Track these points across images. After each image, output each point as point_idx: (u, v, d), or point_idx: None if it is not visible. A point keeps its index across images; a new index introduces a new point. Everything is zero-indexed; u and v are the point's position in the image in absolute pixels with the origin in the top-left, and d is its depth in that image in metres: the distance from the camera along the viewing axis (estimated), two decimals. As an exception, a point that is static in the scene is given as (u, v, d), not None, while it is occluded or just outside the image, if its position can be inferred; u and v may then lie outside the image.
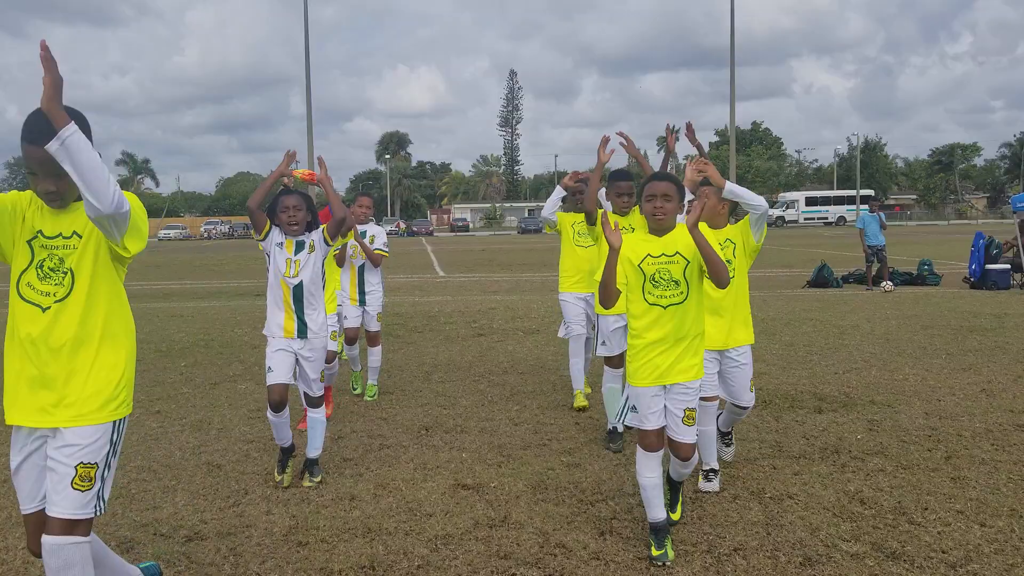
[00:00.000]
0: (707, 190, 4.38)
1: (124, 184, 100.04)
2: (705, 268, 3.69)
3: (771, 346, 9.28)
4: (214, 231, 72.11)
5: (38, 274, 2.75)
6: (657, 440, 3.80)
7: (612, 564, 3.74)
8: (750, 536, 4.01)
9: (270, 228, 4.80)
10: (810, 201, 71.39)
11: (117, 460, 2.90)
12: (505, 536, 4.06)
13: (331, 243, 4.85)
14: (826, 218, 69.91)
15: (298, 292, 4.75)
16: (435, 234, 69.92)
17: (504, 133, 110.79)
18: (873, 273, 15.89)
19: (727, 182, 4.28)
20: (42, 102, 2.43)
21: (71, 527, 2.71)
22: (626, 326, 5.43)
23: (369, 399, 7.08)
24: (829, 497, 4.51)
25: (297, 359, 4.82)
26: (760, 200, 4.38)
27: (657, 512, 3.81)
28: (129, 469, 5.24)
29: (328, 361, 5.49)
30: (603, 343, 5.72)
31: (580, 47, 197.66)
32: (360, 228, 6.81)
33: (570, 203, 6.39)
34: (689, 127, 5.32)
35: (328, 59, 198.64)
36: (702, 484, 4.66)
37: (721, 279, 3.66)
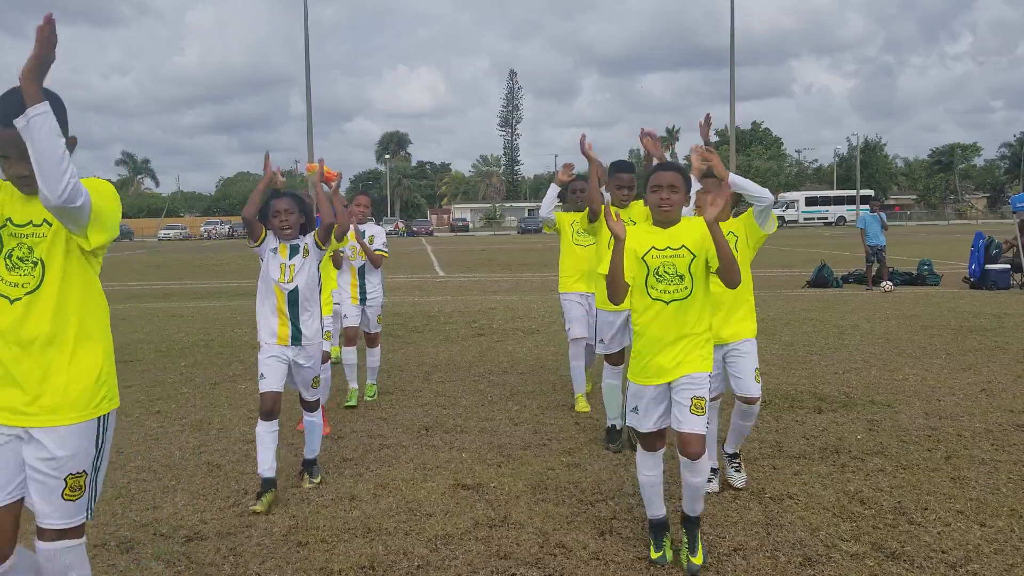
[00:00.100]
0: (724, 184, 4.30)
1: (124, 184, 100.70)
2: (712, 264, 3.59)
3: (771, 346, 9.28)
4: (214, 231, 72.08)
5: (7, 264, 2.62)
6: (657, 440, 3.78)
7: (612, 564, 3.74)
8: (750, 536, 4.01)
9: (265, 235, 4.70)
10: (810, 201, 71.39)
11: (108, 458, 2.81)
12: (505, 536, 4.06)
13: (323, 247, 4.76)
14: (826, 218, 69.92)
15: (293, 297, 4.65)
16: (435, 234, 69.90)
17: (504, 133, 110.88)
18: (873, 273, 15.90)
19: (730, 173, 4.16)
20: (20, 73, 2.34)
21: (65, 533, 2.67)
22: (623, 322, 5.45)
23: (369, 399, 7.08)
24: (829, 497, 4.51)
25: (291, 366, 4.72)
26: (764, 192, 4.20)
27: (656, 510, 3.80)
28: (129, 469, 5.24)
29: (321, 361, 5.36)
30: (600, 341, 5.66)
31: (580, 47, 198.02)
32: (359, 228, 6.76)
33: (570, 202, 6.37)
34: (708, 119, 5.01)
35: (328, 59, 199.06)
36: None
37: (732, 279, 3.55)
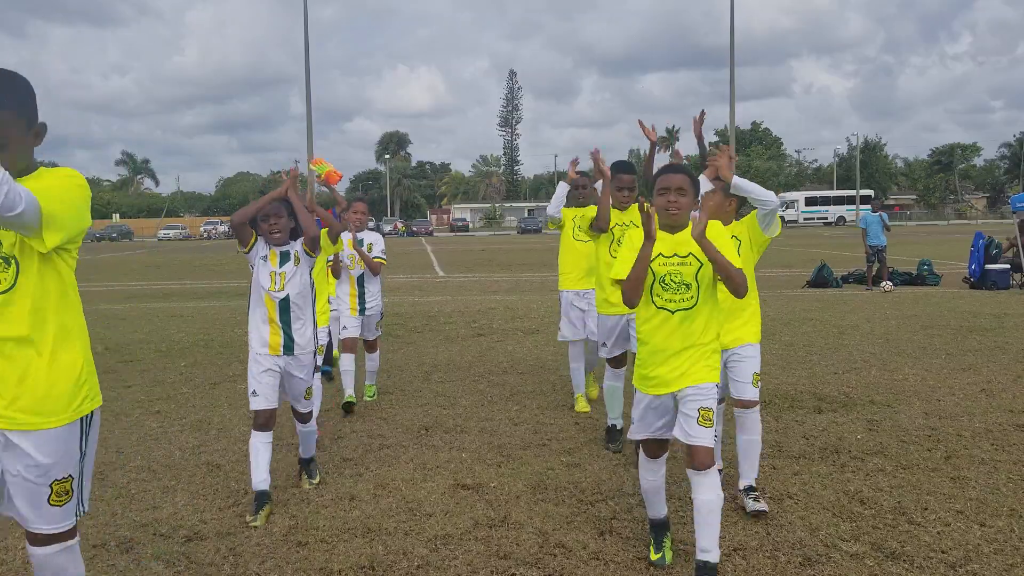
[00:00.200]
0: (707, 194, 4.28)
1: (124, 184, 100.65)
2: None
3: (771, 346, 9.28)
4: (214, 231, 72.07)
5: None
6: (658, 448, 3.71)
7: (612, 564, 3.74)
8: (750, 536, 4.01)
9: (255, 241, 4.56)
10: (810, 201, 71.41)
11: (93, 459, 2.73)
12: (505, 536, 4.06)
13: (312, 255, 4.62)
14: (826, 218, 69.94)
15: (284, 306, 4.52)
16: (435, 234, 69.90)
17: (504, 133, 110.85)
18: (873, 273, 15.90)
19: (735, 176, 4.08)
20: None
21: (57, 537, 2.62)
22: (624, 326, 5.44)
23: (369, 399, 7.08)
24: (829, 497, 4.51)
25: (283, 376, 4.59)
26: (770, 195, 4.09)
27: (657, 511, 3.80)
28: (129, 469, 5.24)
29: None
30: (603, 344, 5.63)
31: (580, 47, 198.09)
32: (357, 236, 6.57)
33: (571, 199, 6.35)
34: (701, 116, 5.02)
35: (328, 59, 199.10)
36: None
37: (737, 289, 3.41)
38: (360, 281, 6.72)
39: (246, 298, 4.65)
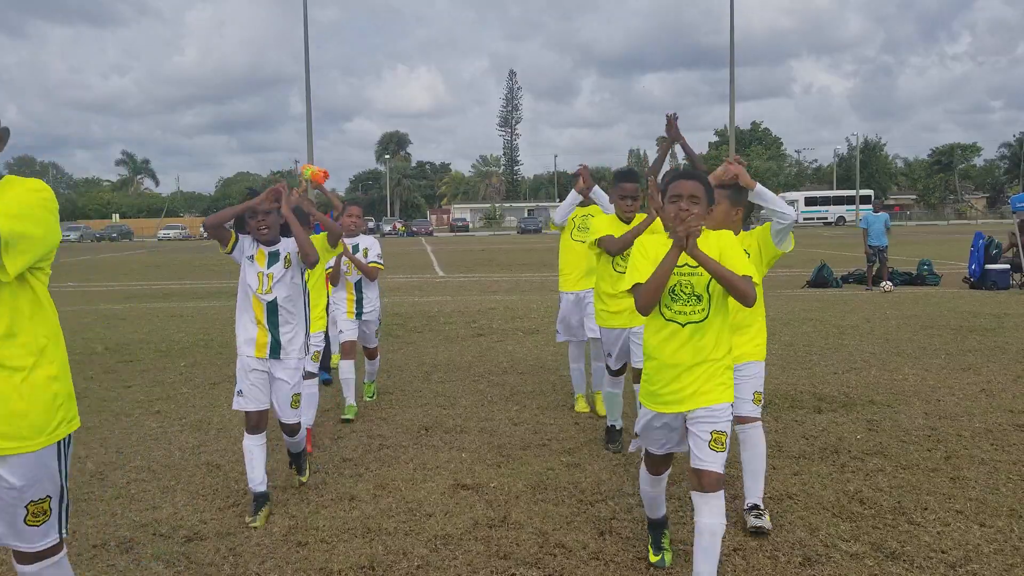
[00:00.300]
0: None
1: (124, 184, 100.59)
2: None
3: (771, 346, 9.20)
4: (214, 231, 72.03)
5: None
6: (662, 464, 3.60)
7: (612, 564, 3.74)
8: (750, 536, 4.01)
9: (236, 239, 4.39)
10: (810, 201, 71.42)
11: (68, 477, 2.62)
12: (505, 536, 4.06)
13: (310, 268, 4.49)
14: (826, 218, 69.96)
15: (272, 308, 4.37)
16: (435, 234, 69.91)
17: (504, 133, 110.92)
18: (873, 273, 15.91)
19: (757, 184, 3.92)
20: None
21: (41, 555, 2.56)
22: (627, 339, 5.34)
23: (368, 399, 7.08)
24: (829, 497, 4.51)
25: (269, 379, 4.46)
26: (789, 209, 3.90)
27: (655, 512, 3.79)
28: (129, 469, 5.24)
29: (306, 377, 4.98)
30: (608, 354, 5.47)
31: (579, 47, 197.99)
32: (351, 242, 6.37)
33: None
34: (674, 118, 4.89)
35: (328, 59, 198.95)
36: None
37: (745, 298, 3.19)
38: (358, 287, 6.60)
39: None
